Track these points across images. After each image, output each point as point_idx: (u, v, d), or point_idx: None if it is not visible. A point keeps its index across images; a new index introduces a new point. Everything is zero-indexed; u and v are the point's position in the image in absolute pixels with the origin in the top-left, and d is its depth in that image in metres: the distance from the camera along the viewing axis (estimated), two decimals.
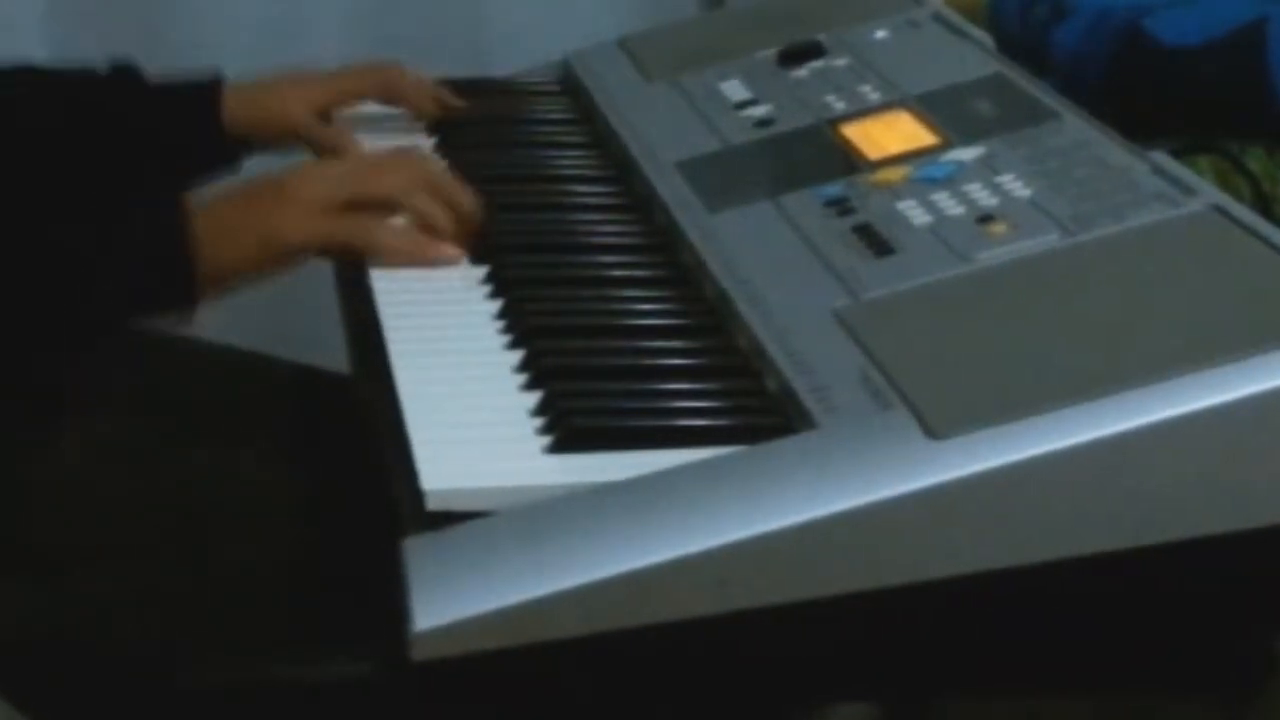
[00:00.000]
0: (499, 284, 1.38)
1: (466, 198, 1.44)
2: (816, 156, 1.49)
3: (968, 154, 1.42)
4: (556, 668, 1.06)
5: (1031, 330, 1.18)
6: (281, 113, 1.65)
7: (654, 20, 2.07)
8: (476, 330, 1.33)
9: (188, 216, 1.35)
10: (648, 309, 1.36)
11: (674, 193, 1.49)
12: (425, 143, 1.68)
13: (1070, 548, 1.08)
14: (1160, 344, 1.12)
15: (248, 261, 1.37)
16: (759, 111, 1.60)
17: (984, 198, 1.35)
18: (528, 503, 1.10)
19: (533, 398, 1.22)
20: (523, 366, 1.26)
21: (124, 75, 1.65)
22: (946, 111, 1.50)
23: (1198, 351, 1.09)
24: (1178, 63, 1.58)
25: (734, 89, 1.65)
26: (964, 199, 1.35)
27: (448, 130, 1.70)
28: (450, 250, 1.42)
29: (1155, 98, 1.59)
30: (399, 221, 1.42)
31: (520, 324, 1.32)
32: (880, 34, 1.70)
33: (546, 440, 1.17)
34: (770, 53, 1.70)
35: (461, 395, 1.23)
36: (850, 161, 1.46)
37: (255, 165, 1.66)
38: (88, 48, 1.91)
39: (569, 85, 1.83)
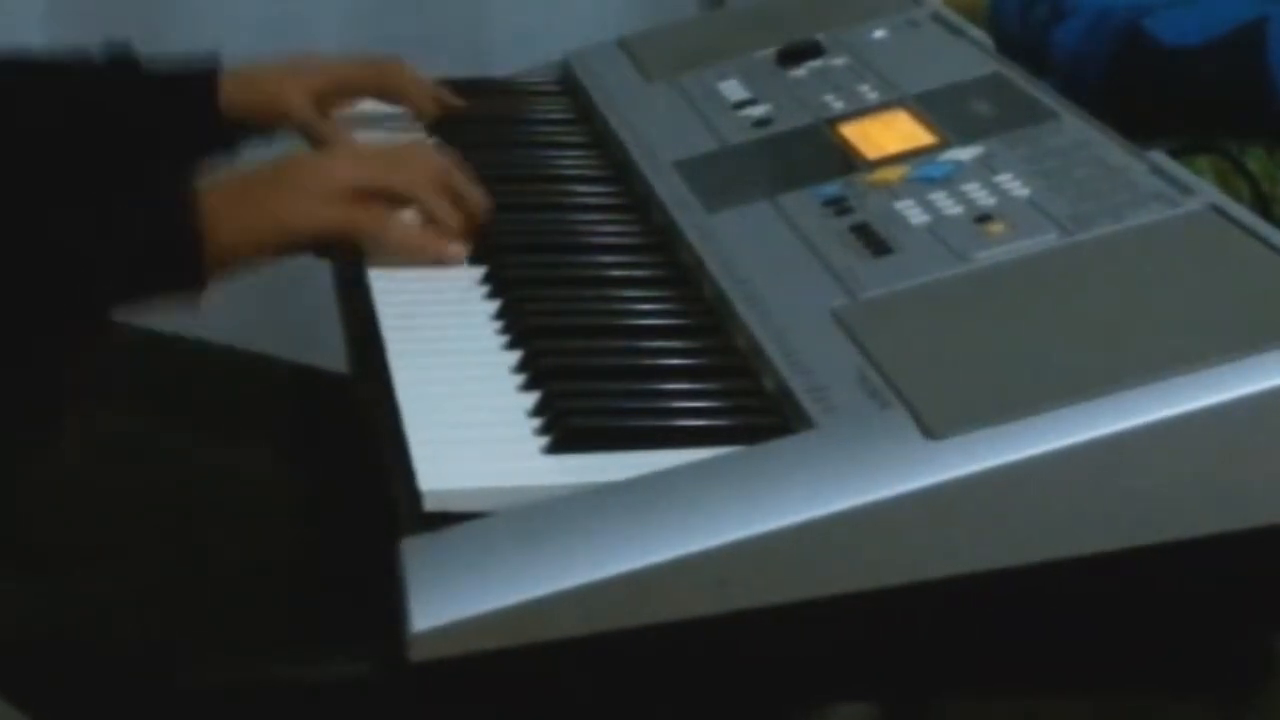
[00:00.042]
0: (497, 284, 1.38)
1: (477, 197, 1.44)
2: (815, 156, 1.49)
3: (966, 154, 1.42)
4: (556, 668, 1.06)
5: (1029, 330, 1.18)
6: (278, 99, 1.64)
7: (654, 20, 2.07)
8: (475, 330, 1.33)
9: (196, 196, 1.34)
10: (646, 309, 1.36)
11: (672, 192, 1.49)
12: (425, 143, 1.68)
13: (1068, 548, 1.08)
14: (1158, 344, 1.12)
15: (254, 245, 1.36)
16: (758, 111, 1.60)
17: (982, 197, 1.35)
18: (526, 503, 1.10)
19: (531, 398, 1.22)
20: (521, 366, 1.26)
21: (121, 61, 1.64)
22: (945, 111, 1.50)
23: (1195, 351, 1.09)
24: (1178, 63, 1.59)
25: (733, 89, 1.65)
26: (962, 199, 1.35)
27: (447, 130, 1.69)
28: (456, 250, 1.41)
29: (1155, 98, 1.59)
30: (408, 215, 1.42)
31: (519, 324, 1.32)
32: (879, 34, 1.70)
33: (545, 440, 1.17)
34: (769, 52, 1.70)
35: (460, 395, 1.23)
36: (848, 161, 1.46)
37: (255, 154, 1.65)
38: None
39: (569, 85, 1.83)
